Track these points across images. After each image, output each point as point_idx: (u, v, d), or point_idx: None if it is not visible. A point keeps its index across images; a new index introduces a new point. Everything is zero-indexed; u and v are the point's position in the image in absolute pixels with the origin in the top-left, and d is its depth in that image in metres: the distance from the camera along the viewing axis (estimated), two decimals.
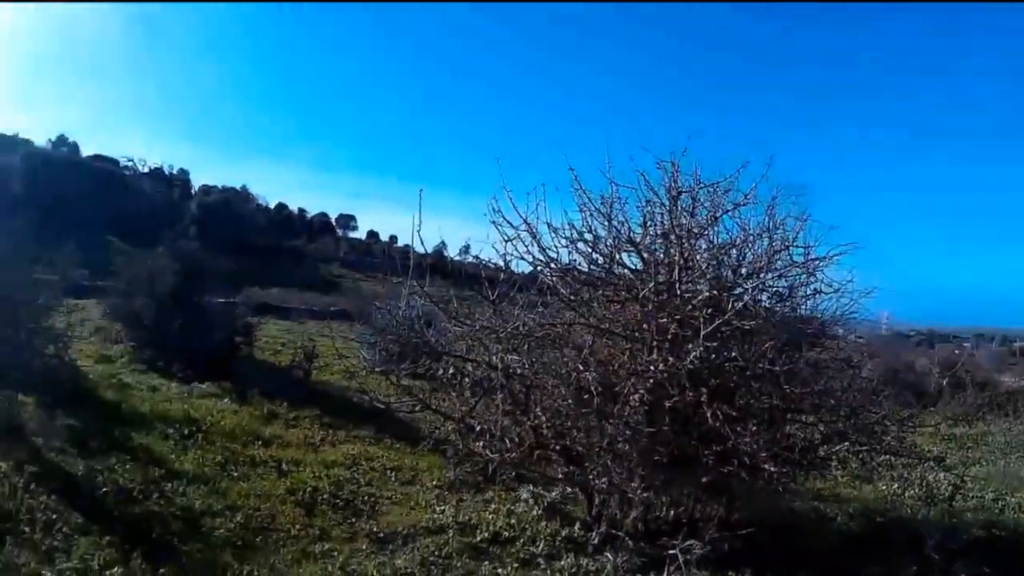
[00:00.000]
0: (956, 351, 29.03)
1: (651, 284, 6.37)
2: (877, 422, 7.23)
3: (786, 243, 6.86)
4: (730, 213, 6.88)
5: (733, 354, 6.19)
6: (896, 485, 9.78)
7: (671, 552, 5.88)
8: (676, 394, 6.00)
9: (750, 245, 7.00)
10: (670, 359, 6.08)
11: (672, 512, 7.18)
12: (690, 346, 6.01)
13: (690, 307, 6.32)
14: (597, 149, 7.47)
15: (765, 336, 6.51)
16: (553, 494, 7.69)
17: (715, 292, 6.46)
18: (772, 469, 6.04)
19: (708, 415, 5.80)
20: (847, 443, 7.04)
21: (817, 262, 6.89)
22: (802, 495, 8.45)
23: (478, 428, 7.12)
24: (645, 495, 6.47)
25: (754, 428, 6.19)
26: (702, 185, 6.77)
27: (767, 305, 7.19)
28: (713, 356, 6.08)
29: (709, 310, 6.23)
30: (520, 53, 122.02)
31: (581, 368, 6.53)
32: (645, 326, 6.46)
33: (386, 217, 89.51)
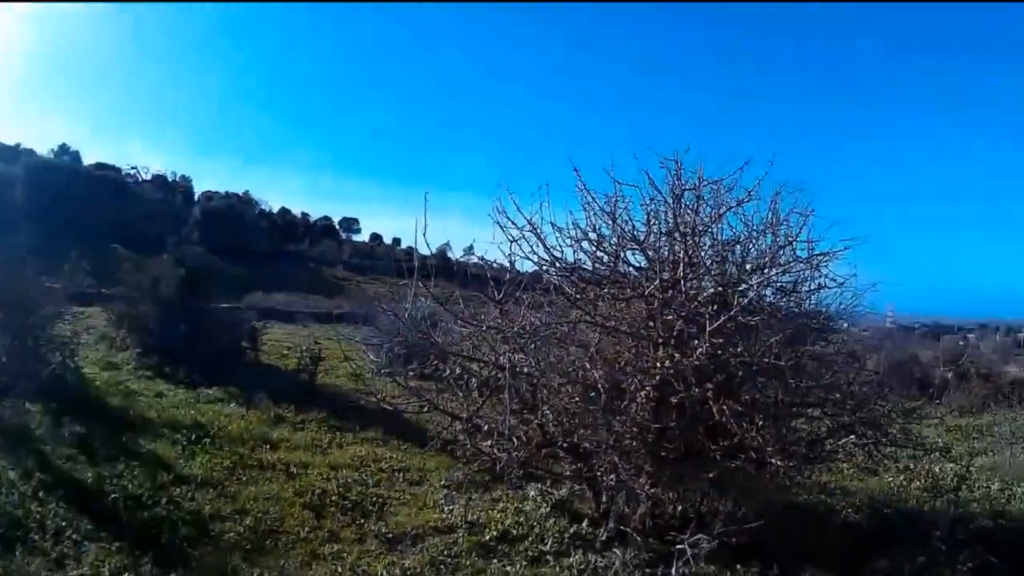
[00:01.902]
0: (961, 342, 28.99)
1: (656, 282, 6.38)
2: (883, 415, 7.21)
3: (789, 239, 6.86)
4: (734, 210, 6.87)
5: (739, 349, 6.18)
6: (902, 477, 9.73)
7: (679, 547, 5.89)
8: (682, 390, 5.99)
9: (754, 241, 7.01)
10: (676, 356, 6.09)
11: (679, 508, 7.20)
12: (696, 342, 6.04)
13: (695, 304, 6.35)
14: (601, 149, 7.53)
15: (770, 331, 6.50)
16: (561, 492, 7.69)
17: (720, 288, 6.51)
18: (779, 463, 6.05)
19: (715, 410, 5.80)
20: (853, 436, 7.04)
21: (821, 257, 6.87)
22: (808, 488, 8.42)
23: (485, 428, 7.13)
24: (652, 491, 6.49)
25: (760, 422, 6.20)
26: (706, 183, 6.77)
27: (772, 300, 7.18)
28: (719, 352, 6.09)
29: (714, 306, 6.27)
30: (526, 54, 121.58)
31: (587, 366, 6.54)
32: (651, 323, 6.48)
33: (389, 220, 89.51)
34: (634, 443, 6.34)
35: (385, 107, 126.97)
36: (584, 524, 6.91)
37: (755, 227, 6.95)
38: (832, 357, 7.38)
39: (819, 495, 8.70)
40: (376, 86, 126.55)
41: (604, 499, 7.02)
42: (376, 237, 74.87)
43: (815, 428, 7.26)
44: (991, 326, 44.99)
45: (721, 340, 6.09)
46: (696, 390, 5.94)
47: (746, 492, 6.76)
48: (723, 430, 5.96)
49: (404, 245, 59.46)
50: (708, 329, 5.92)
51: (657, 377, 6.13)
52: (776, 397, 6.71)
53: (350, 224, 76.99)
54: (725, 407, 5.79)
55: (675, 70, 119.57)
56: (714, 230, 7.00)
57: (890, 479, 9.78)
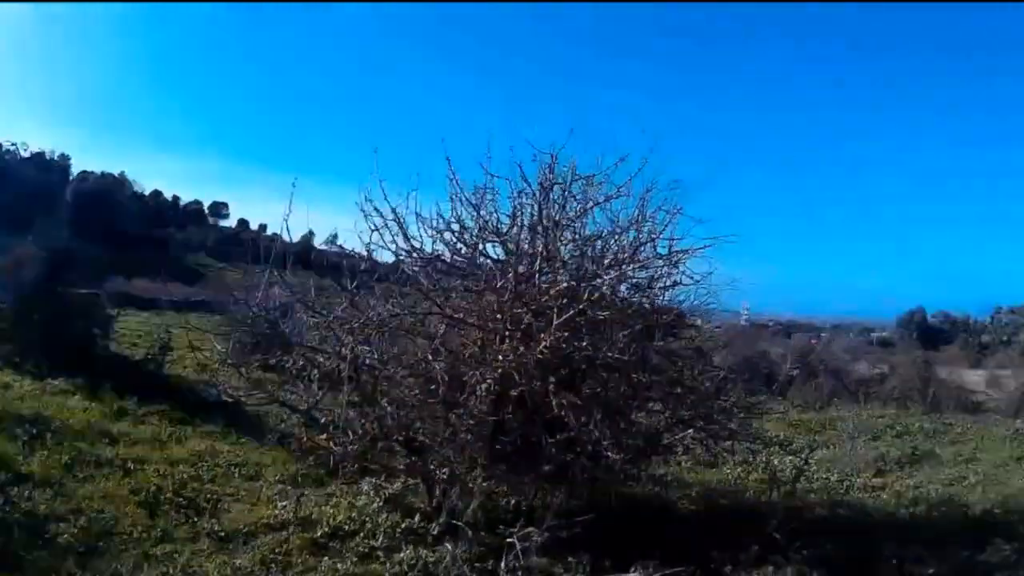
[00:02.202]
0: (812, 341, 30.62)
1: (510, 274, 6.39)
2: (722, 409, 7.44)
3: (653, 236, 6.97)
4: (601, 206, 6.96)
5: (585, 344, 6.25)
6: (740, 469, 10.17)
7: (508, 541, 5.85)
8: (524, 383, 6.00)
9: (616, 237, 7.09)
10: (520, 348, 6.10)
11: (513, 501, 7.19)
12: (542, 335, 6.05)
13: (547, 297, 6.37)
14: (480, 141, 7.47)
15: (619, 326, 6.62)
16: (395, 486, 7.52)
17: (573, 283, 6.51)
18: (615, 456, 6.14)
19: (554, 404, 5.84)
20: (691, 430, 7.23)
21: (681, 254, 7.03)
22: (645, 481, 8.55)
23: (323, 420, 6.98)
24: (485, 484, 6.48)
25: (599, 417, 6.24)
26: (577, 178, 6.84)
27: (625, 296, 7.30)
28: (564, 345, 6.13)
29: (564, 300, 6.28)
30: (406, 44, 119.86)
31: (430, 358, 6.48)
32: (499, 316, 6.48)
33: (260, 205, 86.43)
34: (470, 436, 6.30)
35: (264, 95, 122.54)
36: (416, 518, 6.78)
37: (620, 223, 7.05)
38: (678, 353, 7.53)
39: (656, 488, 8.82)
40: (255, 74, 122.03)
41: (437, 493, 6.91)
42: (243, 223, 71.50)
43: (654, 422, 7.37)
44: (845, 326, 47.69)
45: (567, 334, 6.12)
46: (538, 383, 5.97)
47: (581, 485, 6.82)
48: (561, 424, 6.00)
49: (271, 232, 57.64)
50: (554, 322, 5.95)
51: (499, 370, 6.11)
52: (618, 391, 6.80)
53: (219, 209, 73.73)
54: (564, 401, 5.84)
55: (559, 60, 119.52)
56: (578, 225, 7.08)
57: (728, 472, 10.14)
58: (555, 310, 6.11)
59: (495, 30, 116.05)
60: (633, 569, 6.07)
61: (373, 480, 7.61)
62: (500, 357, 6.14)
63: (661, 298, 7.54)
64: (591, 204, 6.95)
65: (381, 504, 7.14)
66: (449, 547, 6.15)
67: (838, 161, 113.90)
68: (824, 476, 10.74)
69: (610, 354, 6.27)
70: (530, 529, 5.86)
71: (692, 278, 7.20)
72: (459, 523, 6.38)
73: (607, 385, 6.83)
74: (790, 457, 10.99)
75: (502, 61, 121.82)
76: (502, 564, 5.85)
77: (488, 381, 6.15)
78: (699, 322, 8.19)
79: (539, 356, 5.95)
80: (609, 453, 6.08)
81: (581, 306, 6.18)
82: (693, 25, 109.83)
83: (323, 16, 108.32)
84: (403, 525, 6.65)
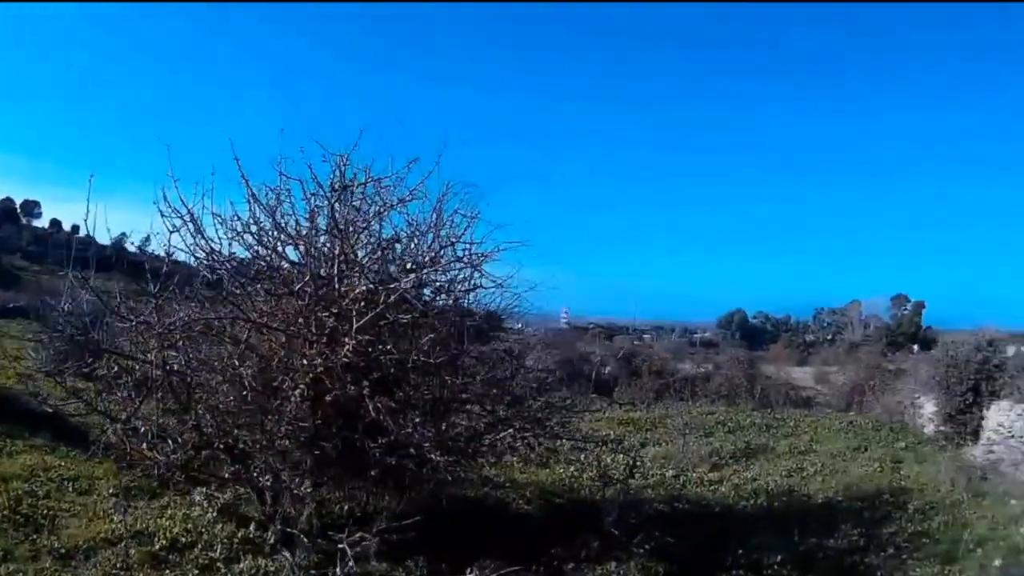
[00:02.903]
0: (636, 342, 31.91)
1: (307, 278, 6.38)
2: (539, 409, 7.73)
3: (452, 239, 7.07)
4: (397, 208, 6.99)
5: (389, 347, 6.33)
6: (573, 468, 10.54)
7: (340, 547, 5.93)
8: (336, 388, 6.06)
9: (415, 240, 7.17)
10: (327, 353, 6.13)
11: (347, 507, 7.29)
12: (346, 339, 6.10)
13: (347, 301, 6.39)
14: (271, 139, 7.24)
15: (426, 329, 6.74)
16: (227, 495, 7.48)
17: (372, 286, 6.53)
18: (438, 458, 6.24)
19: (370, 408, 5.91)
20: (511, 430, 7.36)
21: (480, 257, 7.13)
22: (478, 483, 8.81)
23: (142, 430, 6.81)
24: (313, 491, 6.53)
25: (418, 420, 6.38)
26: (370, 179, 6.85)
27: (428, 299, 7.35)
28: (369, 349, 6.21)
29: (362, 303, 6.34)
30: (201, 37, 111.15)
31: (238, 363, 6.46)
32: (302, 320, 6.48)
33: (72, 205, 78.81)
34: (288, 442, 6.29)
35: (64, 95, 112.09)
36: (252, 528, 6.79)
37: (419, 226, 7.13)
38: (491, 356, 7.76)
39: (488, 489, 9.11)
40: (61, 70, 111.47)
41: (269, 501, 6.89)
42: (56, 223, 65.86)
43: (474, 424, 7.49)
44: (668, 328, 49.86)
45: (370, 338, 6.22)
46: (351, 388, 6.00)
47: (409, 488, 6.96)
48: (381, 428, 6.05)
49: (84, 233, 53.67)
50: (355, 326, 6.01)
51: (309, 375, 6.15)
52: (433, 394, 6.96)
53: (31, 208, 67.92)
54: (380, 404, 5.90)
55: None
56: (375, 228, 7.07)
57: (562, 471, 10.47)
58: (355, 314, 6.13)
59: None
60: (470, 570, 6.25)
61: (204, 490, 7.52)
62: (305, 362, 6.17)
63: (465, 301, 7.69)
64: (385, 207, 6.95)
65: (215, 514, 7.10)
66: (287, 556, 6.19)
67: (652, 170, 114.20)
68: (659, 472, 11.23)
69: (418, 358, 6.34)
70: (361, 535, 5.97)
71: (494, 282, 7.32)
72: (294, 531, 6.40)
73: (421, 389, 6.95)
74: (622, 455, 11.46)
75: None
76: (337, 570, 5.92)
77: (301, 386, 6.16)
78: (515, 325, 8.44)
79: (346, 360, 6.01)
80: (432, 455, 6.16)
81: (379, 309, 6.21)
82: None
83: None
84: (239, 535, 6.68)
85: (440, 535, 6.71)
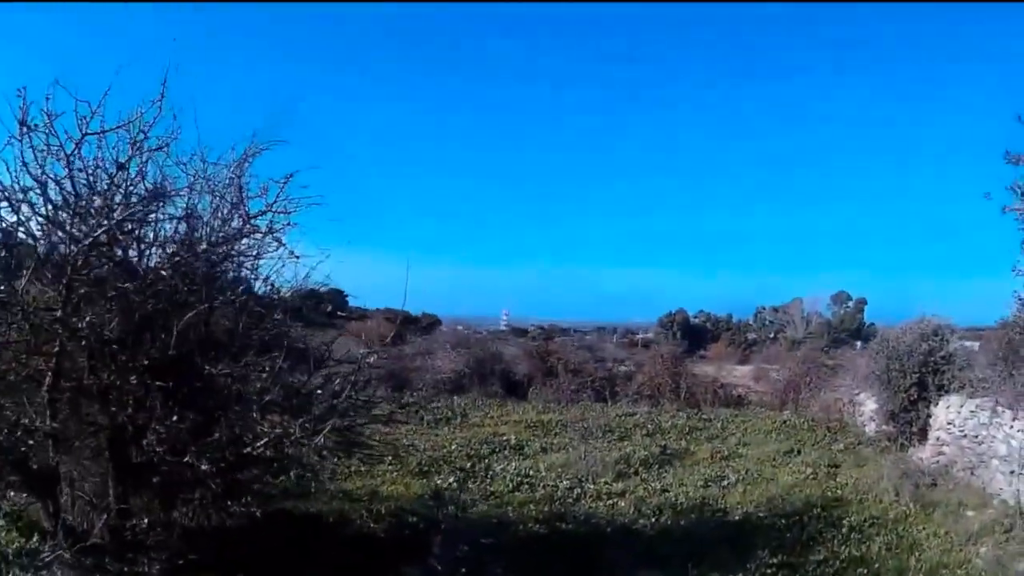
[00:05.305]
0: (575, 344, 30.74)
1: None
2: (352, 417, 6.39)
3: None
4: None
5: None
6: (453, 479, 9.40)
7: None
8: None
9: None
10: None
11: (146, 520, 5.92)
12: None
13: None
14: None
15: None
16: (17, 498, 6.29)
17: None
18: (204, 467, 5.28)
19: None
20: (321, 439, 5.82)
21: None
22: (326, 497, 7.83)
23: None
24: (101, 501, 5.58)
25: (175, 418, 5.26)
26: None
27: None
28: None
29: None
30: None
31: None
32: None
33: None
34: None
35: None
36: (35, 538, 5.74)
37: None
38: (274, 344, 6.29)
39: (341, 502, 8.00)
40: None
41: (52, 510, 5.66)
42: None
43: (280, 432, 5.98)
44: (607, 329, 49.20)
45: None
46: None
47: (210, 503, 5.94)
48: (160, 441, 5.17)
49: None
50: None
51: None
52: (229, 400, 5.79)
53: None
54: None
55: None
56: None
57: (440, 481, 9.31)
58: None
59: None
60: None
61: None
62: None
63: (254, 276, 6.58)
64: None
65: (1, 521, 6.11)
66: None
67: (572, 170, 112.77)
68: (552, 483, 9.94)
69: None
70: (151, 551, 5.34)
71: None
72: (85, 544, 5.26)
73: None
74: (516, 463, 10.21)
75: None
76: None
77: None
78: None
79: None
80: (194, 462, 5.22)
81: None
82: None
83: None
84: (28, 546, 5.69)
85: (254, 552, 5.82)
